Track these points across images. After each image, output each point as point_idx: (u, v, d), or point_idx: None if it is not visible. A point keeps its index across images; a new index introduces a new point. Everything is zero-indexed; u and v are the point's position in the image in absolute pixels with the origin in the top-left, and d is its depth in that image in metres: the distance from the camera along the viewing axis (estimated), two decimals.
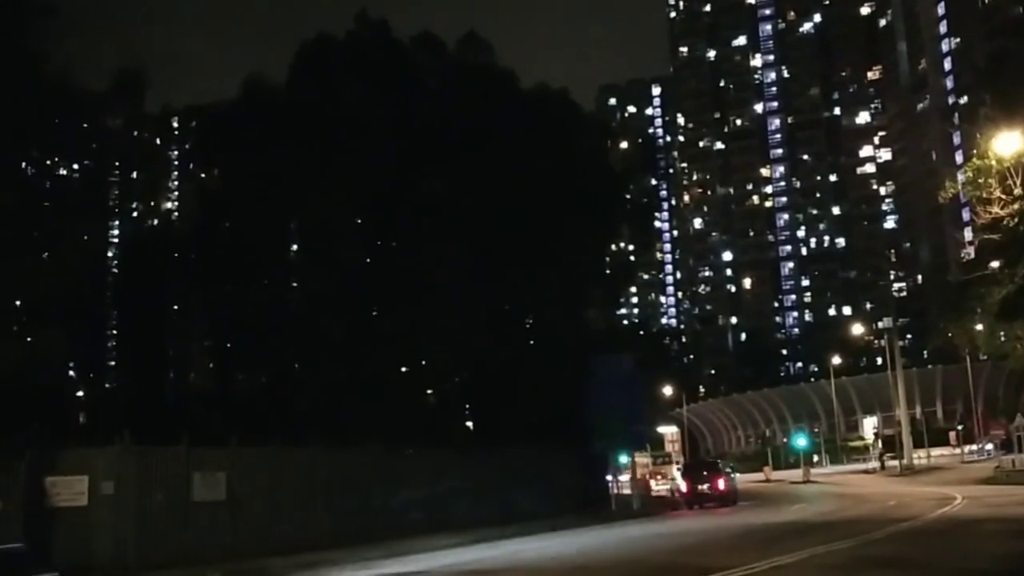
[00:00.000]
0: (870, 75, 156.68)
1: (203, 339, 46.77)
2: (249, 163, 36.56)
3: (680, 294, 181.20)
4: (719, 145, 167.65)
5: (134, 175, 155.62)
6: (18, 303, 31.02)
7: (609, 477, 44.58)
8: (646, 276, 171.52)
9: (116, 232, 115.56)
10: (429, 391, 42.26)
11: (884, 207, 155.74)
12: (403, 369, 39.72)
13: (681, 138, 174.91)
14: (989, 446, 72.08)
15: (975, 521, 22.74)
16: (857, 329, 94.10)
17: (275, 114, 36.83)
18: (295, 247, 41.32)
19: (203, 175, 45.71)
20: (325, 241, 38.88)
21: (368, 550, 22.57)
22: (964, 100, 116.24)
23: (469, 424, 43.19)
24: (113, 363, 58.79)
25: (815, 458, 77.20)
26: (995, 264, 38.64)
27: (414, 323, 36.30)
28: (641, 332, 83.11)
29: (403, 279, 35.55)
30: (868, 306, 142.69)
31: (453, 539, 24.58)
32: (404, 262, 36.17)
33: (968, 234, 75.77)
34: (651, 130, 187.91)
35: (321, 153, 34.99)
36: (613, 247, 50.22)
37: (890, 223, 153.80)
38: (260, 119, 36.77)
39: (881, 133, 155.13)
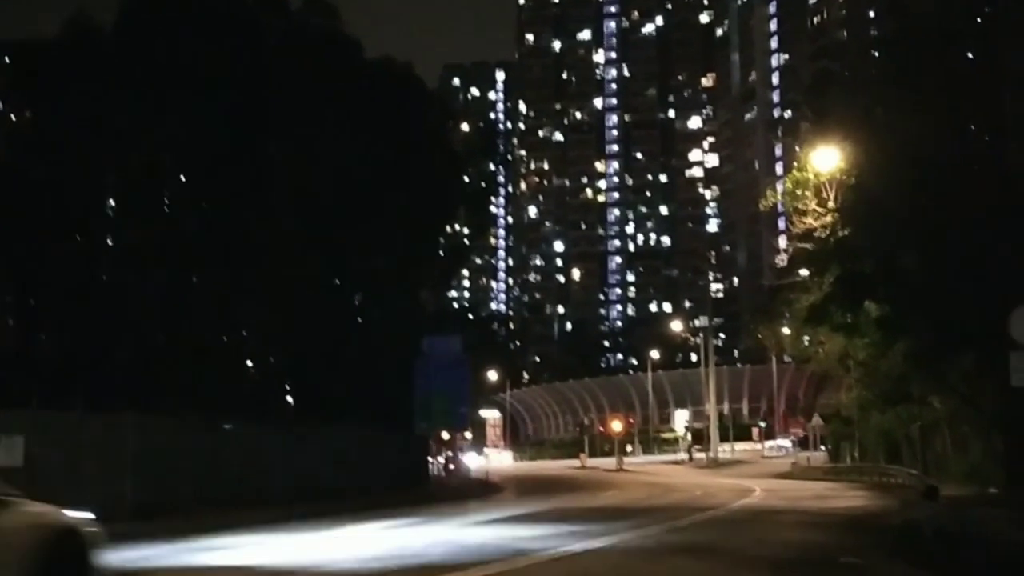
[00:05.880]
0: (704, 81, 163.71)
1: (3, 295, 43.35)
2: (69, 107, 34.07)
3: (511, 281, 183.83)
4: (558, 136, 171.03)
5: None
6: None
7: (429, 458, 44.61)
8: (479, 260, 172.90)
9: None
10: (250, 363, 40.88)
11: (708, 210, 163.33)
12: (224, 338, 38.24)
13: (522, 126, 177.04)
14: (787, 443, 77.20)
15: (772, 512, 24.14)
16: (676, 326, 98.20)
17: (101, 58, 34.43)
18: (112, 201, 38.85)
19: (13, 116, 42.23)
20: (147, 196, 36.85)
21: (175, 522, 21.56)
22: (788, 114, 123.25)
23: (289, 399, 42.10)
24: None
25: (629, 448, 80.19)
26: (805, 272, 41.16)
27: (237, 290, 35.00)
28: (471, 316, 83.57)
29: (229, 242, 34.14)
30: (687, 304, 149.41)
31: (262, 515, 23.89)
32: (231, 224, 34.73)
33: (783, 242, 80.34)
34: (493, 115, 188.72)
35: (151, 103, 33.06)
36: (448, 229, 50.02)
37: (713, 226, 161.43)
38: (84, 61, 34.29)
39: (710, 139, 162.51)
